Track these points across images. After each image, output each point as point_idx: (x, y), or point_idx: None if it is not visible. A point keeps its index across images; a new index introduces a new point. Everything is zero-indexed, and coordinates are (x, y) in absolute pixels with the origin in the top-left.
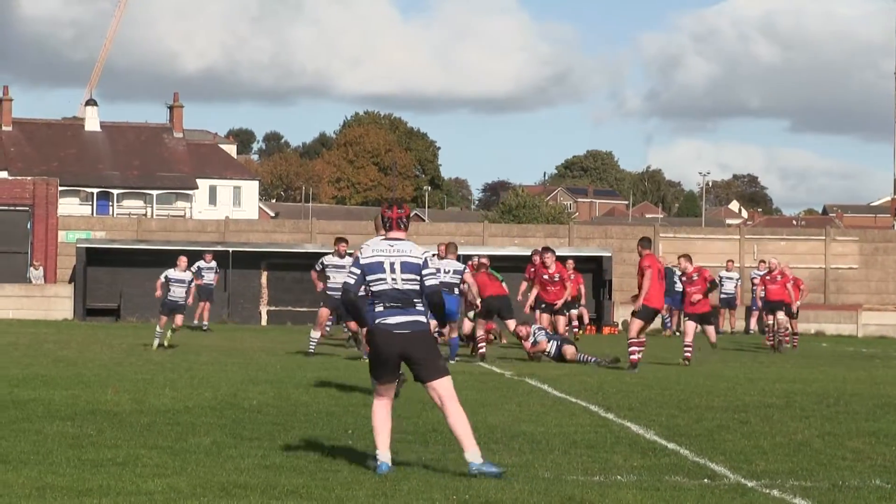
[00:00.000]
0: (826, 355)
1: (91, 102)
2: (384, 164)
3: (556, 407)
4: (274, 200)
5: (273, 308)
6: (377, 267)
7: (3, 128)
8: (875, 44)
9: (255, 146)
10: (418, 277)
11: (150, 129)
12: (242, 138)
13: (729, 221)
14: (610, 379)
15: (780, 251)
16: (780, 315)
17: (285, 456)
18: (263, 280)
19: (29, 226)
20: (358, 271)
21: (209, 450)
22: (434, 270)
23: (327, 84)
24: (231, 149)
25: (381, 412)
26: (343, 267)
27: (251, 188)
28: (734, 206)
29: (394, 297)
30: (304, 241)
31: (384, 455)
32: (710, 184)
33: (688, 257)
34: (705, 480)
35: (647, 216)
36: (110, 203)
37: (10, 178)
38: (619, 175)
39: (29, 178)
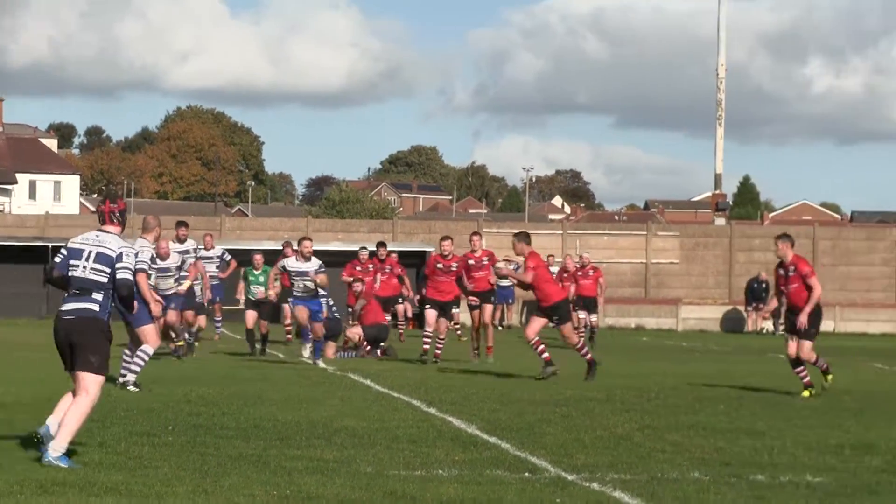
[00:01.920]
0: (646, 349)
1: None
2: (207, 159)
3: (378, 402)
4: (95, 195)
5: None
6: (77, 253)
7: None
8: (701, 41)
9: (77, 140)
10: (109, 269)
11: None
12: (63, 132)
13: (552, 217)
14: (433, 374)
15: (602, 246)
16: (592, 315)
17: (104, 453)
18: None
19: None
20: (66, 253)
21: (26, 445)
22: (129, 265)
23: (154, 78)
24: (52, 143)
25: (67, 397)
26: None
27: (72, 183)
28: (557, 201)
29: (77, 285)
30: (125, 237)
31: (51, 420)
32: (534, 179)
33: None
34: (526, 474)
35: (471, 211)
36: None
37: None
38: (443, 170)
39: None
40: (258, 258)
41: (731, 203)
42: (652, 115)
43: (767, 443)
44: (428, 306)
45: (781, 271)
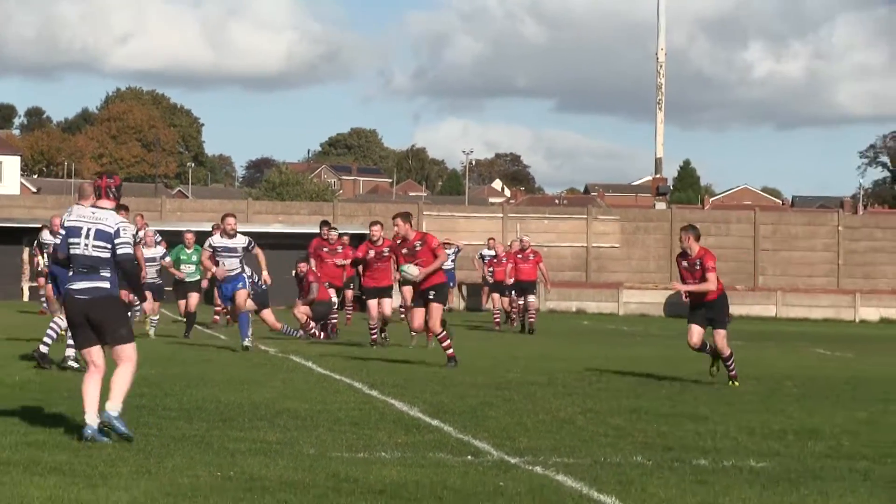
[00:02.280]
0: (588, 333)
1: None
2: (147, 140)
3: (320, 384)
4: (36, 176)
5: (35, 284)
6: (76, 231)
7: None
8: (641, 25)
9: (17, 121)
10: (109, 245)
11: None
12: (3, 113)
13: (492, 200)
14: (374, 356)
15: (542, 230)
16: (531, 297)
17: (48, 433)
18: (25, 256)
19: None
20: (63, 233)
21: None
22: (128, 240)
23: (94, 60)
24: None
25: (89, 381)
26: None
27: (12, 163)
28: (497, 184)
29: (83, 263)
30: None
31: (90, 418)
32: (474, 162)
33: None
34: (469, 457)
35: (411, 194)
36: None
37: None
38: (383, 153)
39: None
40: (189, 237)
41: (671, 187)
42: (592, 100)
43: (710, 427)
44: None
45: (685, 263)
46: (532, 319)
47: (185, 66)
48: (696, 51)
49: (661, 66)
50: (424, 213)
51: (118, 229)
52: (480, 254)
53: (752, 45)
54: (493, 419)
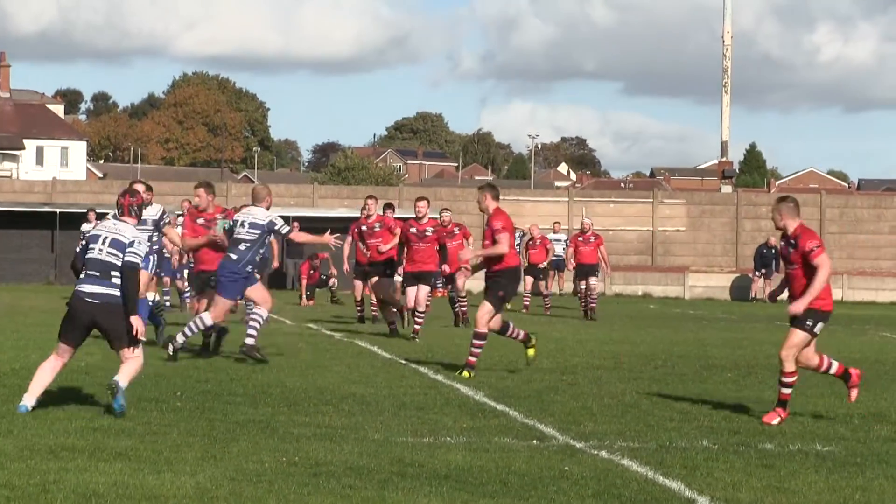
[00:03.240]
0: (653, 317)
1: None
2: (213, 125)
3: (385, 369)
4: (102, 161)
5: None
6: (95, 238)
7: None
8: (708, 7)
9: (84, 106)
10: (121, 254)
11: None
12: (70, 98)
13: (557, 184)
14: (439, 341)
15: (608, 213)
16: (593, 280)
17: (113, 418)
18: None
19: None
20: (84, 242)
21: (36, 412)
22: (139, 252)
23: (161, 45)
24: (59, 109)
25: (47, 367)
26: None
27: (79, 149)
28: (563, 168)
29: (94, 267)
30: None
31: (29, 399)
32: (540, 146)
33: None
34: (534, 442)
35: (477, 178)
36: None
37: None
38: (448, 137)
39: None
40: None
41: (737, 171)
42: (659, 83)
43: None
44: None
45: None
46: (593, 304)
47: (253, 51)
48: (762, 33)
49: (727, 49)
50: None
51: (133, 241)
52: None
53: (819, 27)
54: (558, 404)
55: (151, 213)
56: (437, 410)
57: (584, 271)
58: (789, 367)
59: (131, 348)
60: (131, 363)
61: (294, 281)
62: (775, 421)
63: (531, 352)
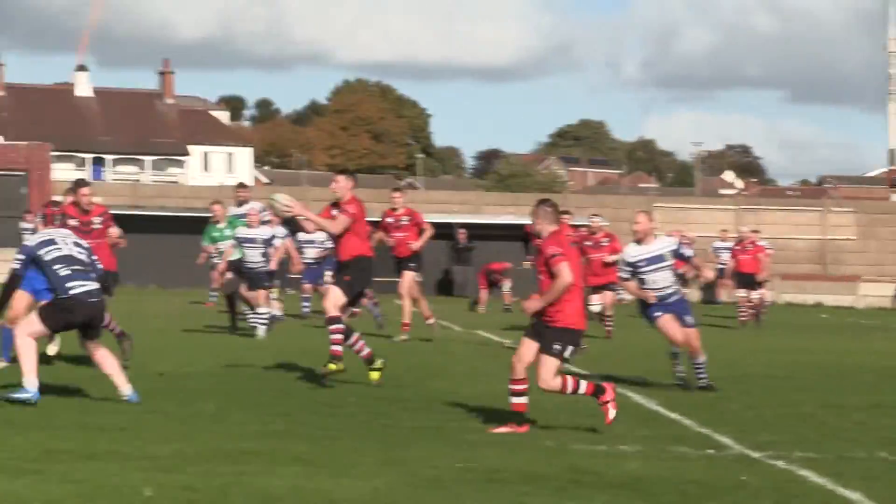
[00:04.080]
0: (826, 326)
1: (81, 68)
2: (377, 132)
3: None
4: (268, 167)
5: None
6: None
7: None
8: (871, 13)
9: (247, 113)
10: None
11: (142, 94)
12: (233, 105)
13: (722, 191)
14: (612, 350)
15: (777, 222)
16: (755, 293)
17: (288, 422)
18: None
19: (23, 191)
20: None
21: (214, 416)
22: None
23: (324, 52)
24: (223, 115)
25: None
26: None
27: (244, 155)
28: (728, 176)
29: (74, 264)
30: None
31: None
32: (705, 154)
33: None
34: (709, 451)
35: (641, 185)
36: (104, 169)
37: (5, 142)
38: (611, 144)
39: (23, 143)
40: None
41: None
42: (823, 90)
43: None
44: None
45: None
46: (757, 312)
47: (415, 58)
48: None
49: (891, 56)
50: (655, 204)
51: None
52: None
53: None
54: (732, 413)
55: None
56: None
57: (746, 281)
58: (559, 388)
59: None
60: (106, 354)
61: (463, 288)
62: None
63: (374, 375)
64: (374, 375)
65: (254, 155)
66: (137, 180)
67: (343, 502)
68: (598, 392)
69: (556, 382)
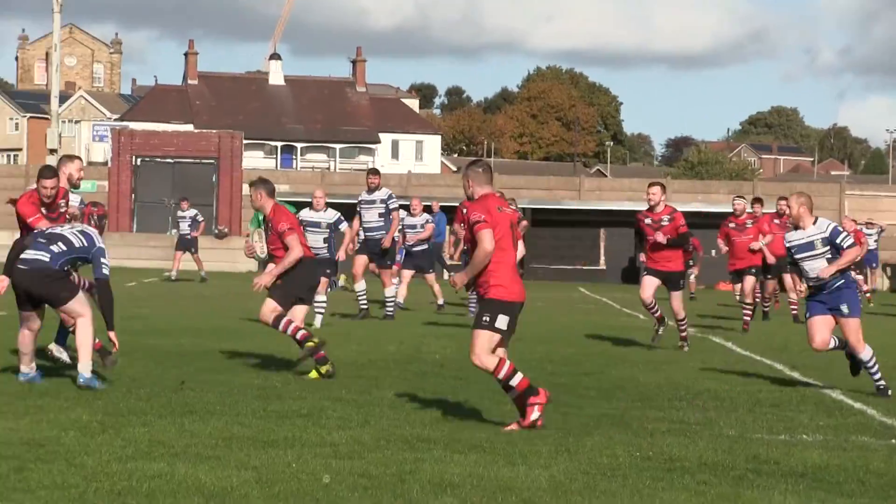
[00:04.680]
0: None
1: (274, 56)
2: (567, 119)
3: (739, 364)
4: (456, 155)
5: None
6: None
7: (189, 81)
8: None
9: (438, 101)
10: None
11: (334, 83)
12: (425, 93)
13: None
14: (796, 338)
15: None
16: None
17: (467, 410)
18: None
19: (214, 178)
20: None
21: (392, 403)
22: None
23: (516, 40)
24: (413, 103)
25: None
26: (374, 201)
27: (433, 143)
28: None
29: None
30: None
31: (25, 369)
32: None
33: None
34: (893, 441)
35: (833, 173)
36: (294, 157)
37: (196, 131)
38: (804, 132)
39: (214, 131)
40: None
41: None
42: None
43: None
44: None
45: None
46: None
47: (608, 46)
48: None
49: None
50: (846, 192)
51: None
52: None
53: None
54: None
55: (381, 194)
56: (792, 408)
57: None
58: (492, 367)
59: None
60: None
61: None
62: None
63: (313, 374)
64: (314, 374)
65: (442, 143)
66: (327, 168)
67: (520, 490)
68: (529, 392)
69: (489, 360)
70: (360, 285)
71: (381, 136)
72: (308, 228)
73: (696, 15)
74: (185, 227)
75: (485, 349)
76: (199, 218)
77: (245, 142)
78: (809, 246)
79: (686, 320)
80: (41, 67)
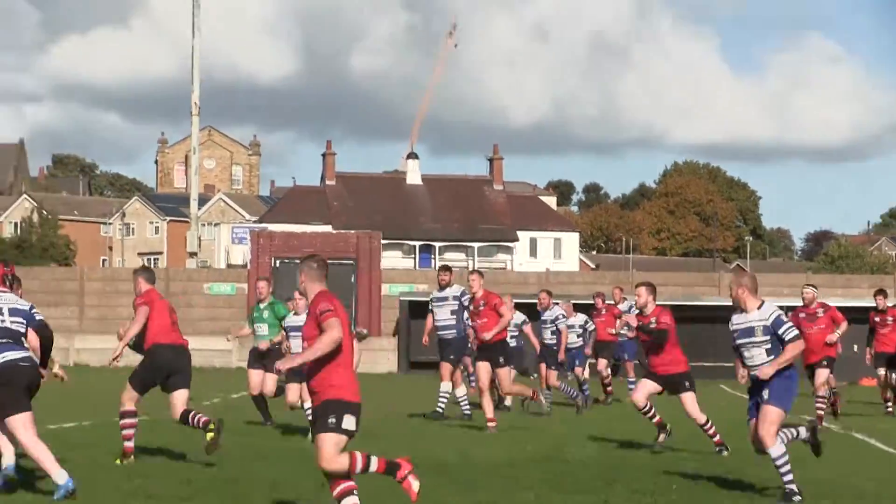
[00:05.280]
0: None
1: (412, 156)
2: (705, 215)
3: (885, 460)
4: (594, 252)
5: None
6: None
7: (327, 182)
8: None
9: (575, 197)
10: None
11: (471, 181)
12: (562, 190)
13: None
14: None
15: None
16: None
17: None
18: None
19: (353, 279)
20: None
21: None
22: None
23: (654, 135)
24: (551, 200)
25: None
26: (446, 298)
27: (571, 240)
28: None
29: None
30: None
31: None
32: None
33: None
34: None
35: None
36: (432, 256)
37: (335, 231)
38: None
39: (352, 231)
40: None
41: None
42: None
43: None
44: None
45: None
46: None
47: (746, 140)
48: None
49: None
50: None
51: (31, 306)
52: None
53: None
54: None
55: (454, 291)
56: None
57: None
58: (346, 467)
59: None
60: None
61: None
62: None
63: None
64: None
65: (581, 240)
66: (465, 267)
67: None
68: (391, 468)
69: (340, 462)
70: (460, 391)
71: (519, 233)
72: (291, 333)
73: (834, 108)
74: None
75: (334, 454)
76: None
77: (383, 241)
78: (749, 332)
79: (709, 423)
80: (180, 170)
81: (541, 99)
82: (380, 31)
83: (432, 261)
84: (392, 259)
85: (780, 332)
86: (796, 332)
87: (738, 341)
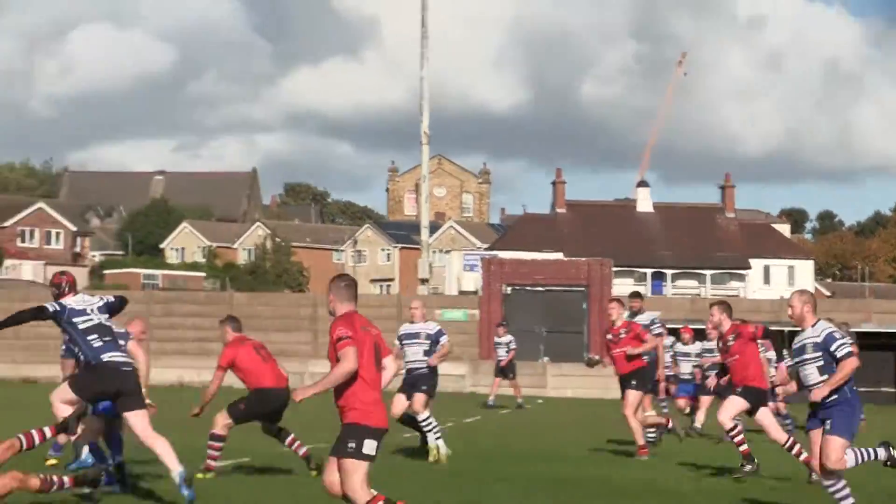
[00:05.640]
0: None
1: (642, 184)
2: None
3: None
4: (830, 280)
5: None
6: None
7: (557, 210)
8: None
9: (808, 225)
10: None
11: (703, 209)
12: (795, 217)
13: None
14: None
15: None
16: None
17: None
18: None
19: (584, 306)
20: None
21: None
22: None
23: (892, 163)
24: (784, 228)
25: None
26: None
27: (806, 268)
28: None
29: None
30: (861, 321)
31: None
32: None
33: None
34: None
35: None
36: (664, 283)
37: (566, 259)
38: None
39: (584, 259)
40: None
41: None
42: None
43: None
44: None
45: None
46: None
47: None
48: None
49: None
50: None
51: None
52: None
53: None
54: None
55: (643, 319)
56: None
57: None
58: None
59: None
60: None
61: None
62: None
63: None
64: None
65: (815, 267)
66: (698, 294)
67: None
68: None
69: (364, 495)
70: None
71: (752, 261)
72: (405, 342)
73: None
74: (501, 353)
75: (360, 482)
76: (513, 345)
77: (614, 269)
78: (801, 350)
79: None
80: (411, 199)
81: (773, 127)
82: (609, 59)
83: (664, 287)
84: (623, 286)
85: (833, 348)
86: (849, 349)
87: (795, 359)
